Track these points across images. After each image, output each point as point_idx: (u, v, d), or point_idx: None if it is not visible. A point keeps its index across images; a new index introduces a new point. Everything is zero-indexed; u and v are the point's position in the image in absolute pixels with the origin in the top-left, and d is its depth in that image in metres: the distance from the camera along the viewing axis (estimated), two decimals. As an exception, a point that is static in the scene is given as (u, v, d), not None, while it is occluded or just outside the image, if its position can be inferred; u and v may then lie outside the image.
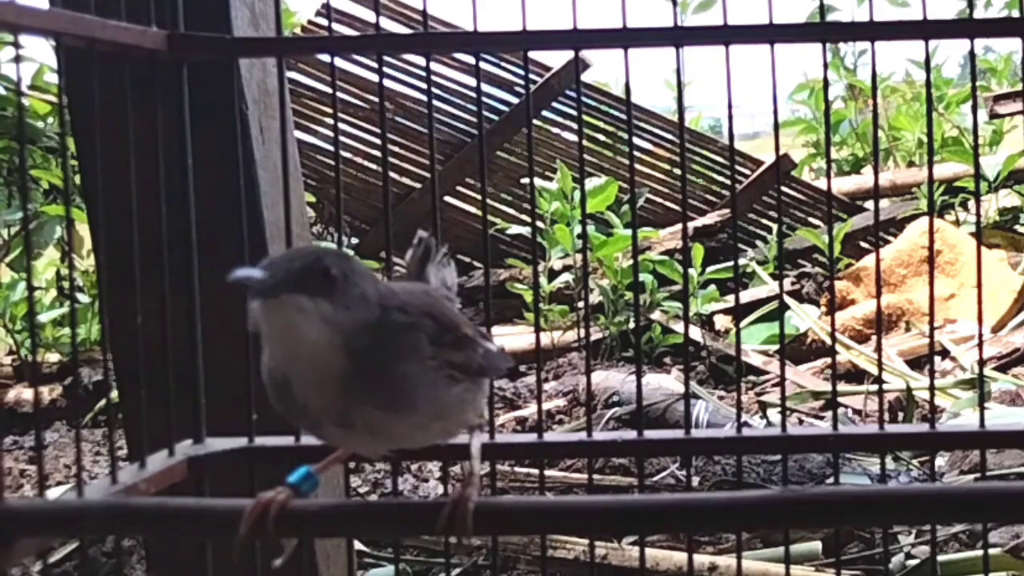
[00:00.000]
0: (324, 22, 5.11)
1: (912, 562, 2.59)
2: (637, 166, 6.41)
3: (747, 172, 6.93)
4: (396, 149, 6.66)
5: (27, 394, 4.58)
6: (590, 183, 5.09)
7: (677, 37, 1.57)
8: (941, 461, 3.22)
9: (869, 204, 6.85)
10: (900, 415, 3.57)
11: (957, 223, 6.45)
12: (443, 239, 1.31)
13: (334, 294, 1.07)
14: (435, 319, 1.15)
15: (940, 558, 2.53)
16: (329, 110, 6.15)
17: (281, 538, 1.14)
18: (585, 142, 2.68)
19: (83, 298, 4.80)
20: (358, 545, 2.67)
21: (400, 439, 1.15)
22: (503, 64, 6.77)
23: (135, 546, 2.63)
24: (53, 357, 4.92)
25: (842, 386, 4.01)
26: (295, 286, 1.05)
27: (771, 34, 1.55)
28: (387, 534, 1.83)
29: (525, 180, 6.65)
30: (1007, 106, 6.24)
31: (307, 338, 1.06)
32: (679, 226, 5.15)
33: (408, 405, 1.11)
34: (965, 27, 1.62)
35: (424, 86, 5.73)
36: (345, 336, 1.07)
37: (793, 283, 5.71)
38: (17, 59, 1.51)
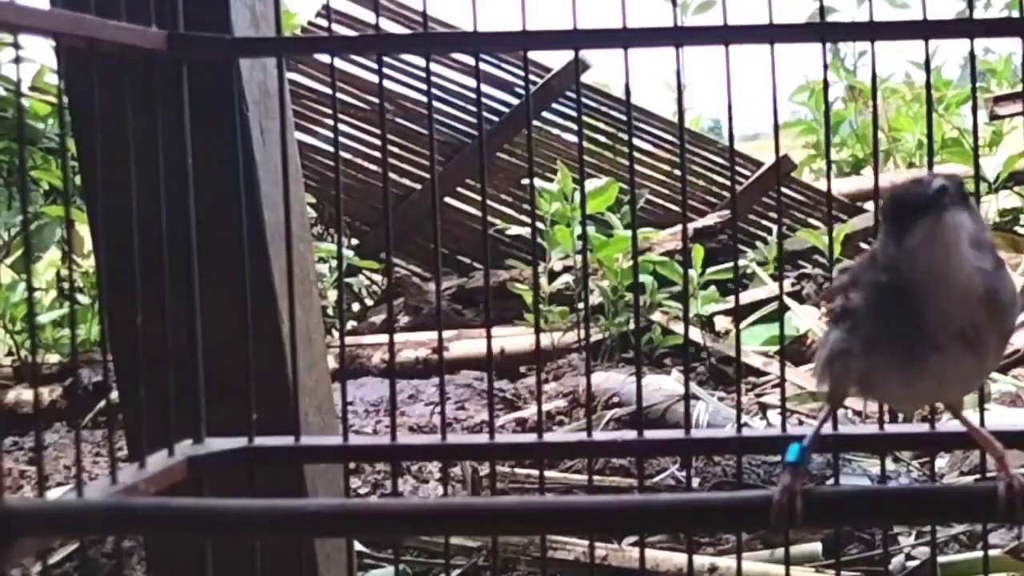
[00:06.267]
0: (324, 23, 5.10)
1: (912, 563, 2.58)
2: (637, 167, 6.39)
3: (747, 173, 6.92)
4: (396, 150, 6.65)
5: (27, 395, 4.57)
6: (590, 184, 5.09)
7: (677, 37, 1.57)
8: (941, 462, 3.22)
9: (869, 205, 6.83)
10: (900, 416, 3.56)
11: (958, 224, 6.43)
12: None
13: (971, 214, 1.14)
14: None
15: (940, 559, 2.53)
16: (329, 111, 6.14)
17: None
18: (585, 143, 2.68)
19: (83, 299, 4.79)
20: (358, 546, 2.66)
21: (963, 379, 1.18)
22: (503, 65, 6.76)
23: (135, 546, 2.62)
24: (53, 358, 4.91)
25: (842, 387, 4.00)
26: (955, 202, 1.11)
27: (771, 34, 1.55)
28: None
29: (525, 181, 6.65)
30: (1007, 107, 6.22)
31: (961, 254, 1.11)
32: (679, 227, 5.14)
33: (1005, 338, 1.17)
34: (965, 27, 1.62)
35: (424, 87, 5.72)
36: (978, 256, 1.13)
37: (793, 284, 5.70)
38: (17, 60, 1.51)
